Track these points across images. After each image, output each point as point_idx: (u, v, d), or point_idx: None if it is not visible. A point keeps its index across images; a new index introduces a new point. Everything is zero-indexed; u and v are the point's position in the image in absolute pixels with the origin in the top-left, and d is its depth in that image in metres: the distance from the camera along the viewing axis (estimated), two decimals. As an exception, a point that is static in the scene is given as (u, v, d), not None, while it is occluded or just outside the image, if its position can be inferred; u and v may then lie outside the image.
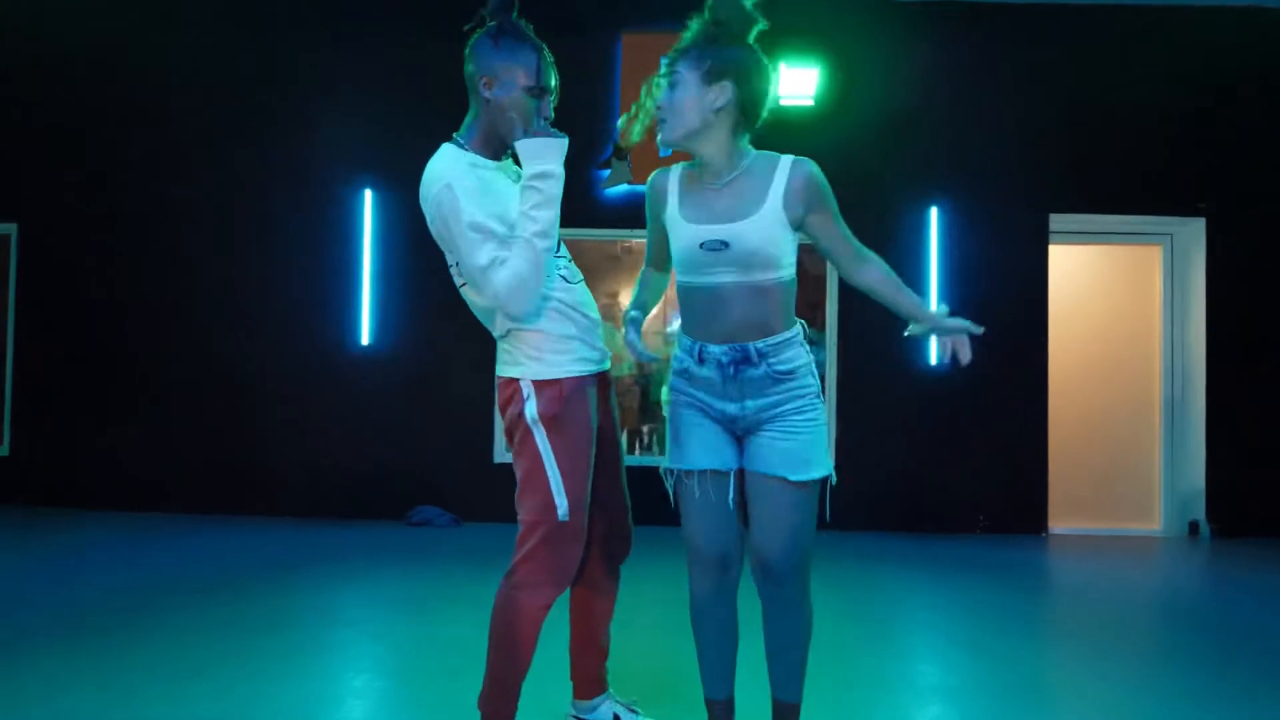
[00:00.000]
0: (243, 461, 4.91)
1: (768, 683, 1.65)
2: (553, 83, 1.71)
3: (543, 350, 1.61)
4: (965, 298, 4.89)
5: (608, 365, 1.76)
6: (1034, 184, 4.92)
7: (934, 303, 4.80)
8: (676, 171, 1.65)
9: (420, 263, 4.89)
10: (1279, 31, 4.83)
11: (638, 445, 5.46)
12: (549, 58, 1.72)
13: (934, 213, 4.90)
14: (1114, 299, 5.15)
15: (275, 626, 2.68)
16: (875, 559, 4.12)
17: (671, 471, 1.63)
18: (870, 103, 4.82)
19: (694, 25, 1.61)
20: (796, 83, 4.33)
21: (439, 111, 4.98)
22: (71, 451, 4.98)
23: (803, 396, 1.57)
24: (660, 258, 1.71)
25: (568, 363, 1.63)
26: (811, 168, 1.57)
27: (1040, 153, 4.92)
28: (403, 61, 4.96)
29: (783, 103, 4.41)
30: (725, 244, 1.52)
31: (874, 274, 1.68)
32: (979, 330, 1.59)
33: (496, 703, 1.58)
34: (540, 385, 1.59)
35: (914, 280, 4.88)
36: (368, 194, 4.95)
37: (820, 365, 4.89)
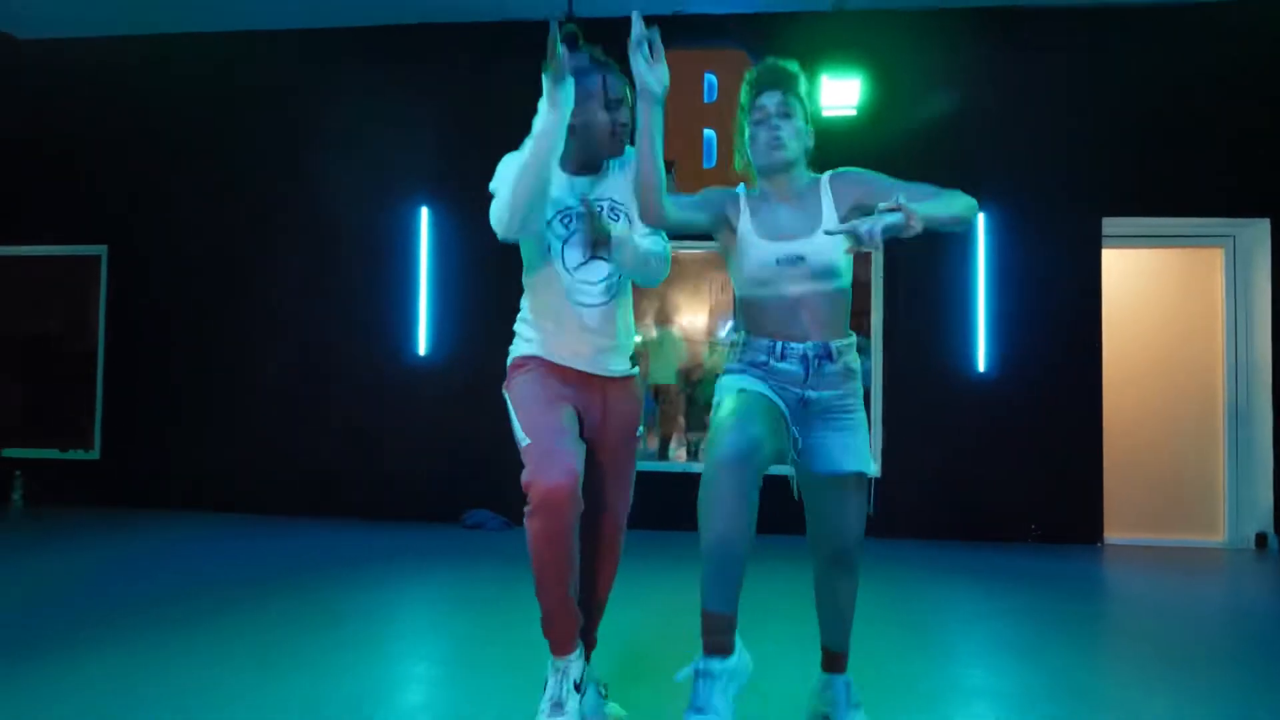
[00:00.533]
0: (309, 465, 5.20)
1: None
2: (623, 93, 1.85)
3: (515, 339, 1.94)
4: (1016, 304, 4.88)
5: (597, 371, 1.88)
6: (1085, 186, 4.87)
7: (981, 314, 4.82)
8: (741, 195, 1.81)
9: (474, 276, 5.13)
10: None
11: (685, 452, 5.57)
12: (613, 72, 1.85)
13: (981, 218, 4.88)
14: (1172, 303, 5.04)
15: (339, 619, 2.87)
16: (923, 567, 4.11)
17: (727, 395, 1.68)
18: (913, 110, 4.84)
19: (772, 75, 1.80)
20: (839, 93, 4.39)
21: (490, 134, 5.21)
22: (155, 456, 5.35)
23: (858, 395, 1.78)
24: (672, 206, 1.77)
25: (519, 345, 1.92)
26: (840, 170, 1.82)
27: (1091, 154, 4.86)
28: (456, 88, 5.22)
29: (825, 113, 4.50)
30: (801, 257, 1.70)
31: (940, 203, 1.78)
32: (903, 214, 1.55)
33: (543, 624, 1.77)
34: (510, 365, 1.91)
35: (963, 287, 4.89)
36: (424, 212, 5.20)
37: (865, 373, 4.93)
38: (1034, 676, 2.43)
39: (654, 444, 5.57)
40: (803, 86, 1.82)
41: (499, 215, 1.77)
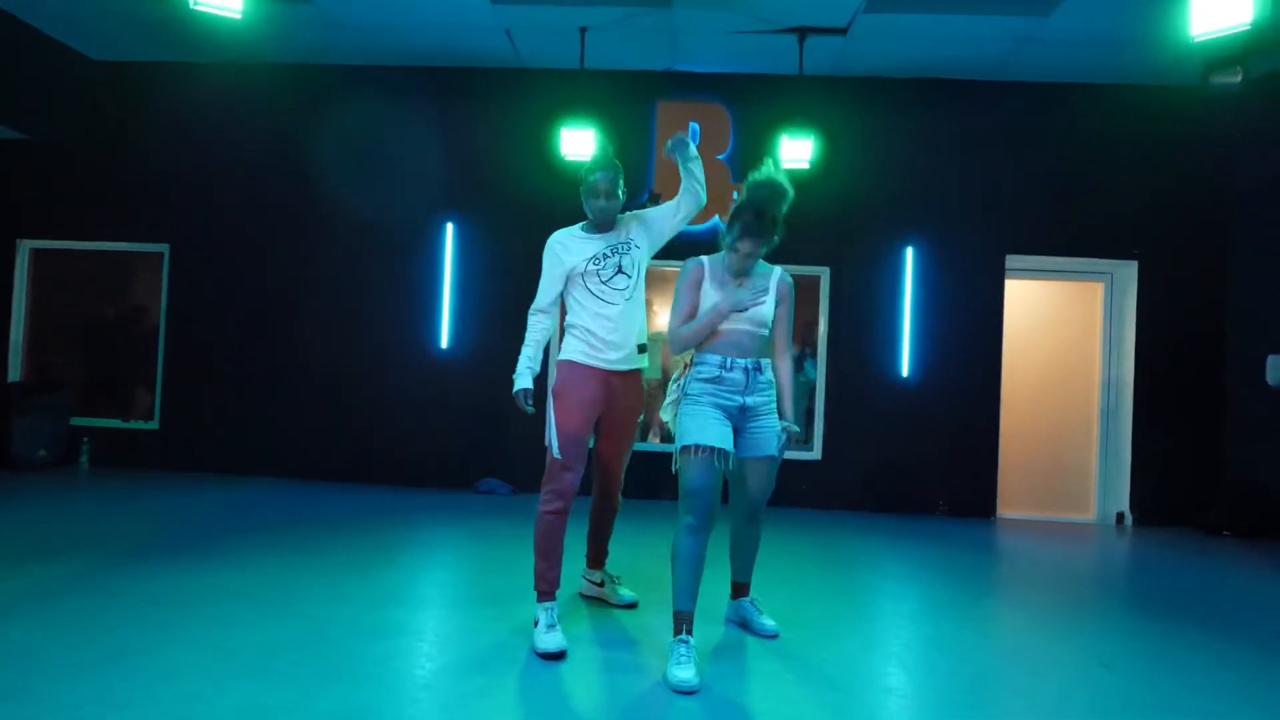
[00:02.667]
0: (345, 438, 6.11)
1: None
2: (595, 181, 2.73)
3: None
4: (934, 322, 5.94)
5: (621, 366, 2.74)
6: (993, 229, 5.92)
7: (906, 330, 5.82)
8: (707, 264, 2.63)
9: (490, 282, 6.08)
10: (1200, 107, 5.79)
11: (660, 438, 6.57)
12: (599, 167, 2.75)
13: (909, 252, 5.95)
14: (1061, 326, 6.15)
15: (383, 551, 3.85)
16: (855, 531, 5.04)
17: (691, 447, 2.46)
18: (856, 164, 5.89)
19: (752, 217, 2.50)
20: (795, 151, 5.38)
21: (504, 161, 6.22)
22: (208, 427, 6.22)
23: (774, 400, 2.64)
24: (690, 317, 2.62)
25: (566, 349, 2.79)
26: (789, 280, 2.69)
27: (999, 203, 5.93)
28: (479, 121, 6.13)
29: (785, 167, 5.51)
30: (746, 307, 2.54)
31: (783, 370, 2.66)
32: (796, 430, 2.63)
33: (536, 577, 2.66)
34: (559, 364, 2.79)
35: (893, 307, 5.94)
36: (449, 226, 6.13)
37: (810, 376, 6.00)
38: (935, 609, 3.46)
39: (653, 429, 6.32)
40: (774, 227, 2.52)
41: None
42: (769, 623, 2.80)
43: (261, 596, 2.97)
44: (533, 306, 2.78)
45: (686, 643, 2.39)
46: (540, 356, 2.78)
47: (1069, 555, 4.77)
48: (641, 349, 2.82)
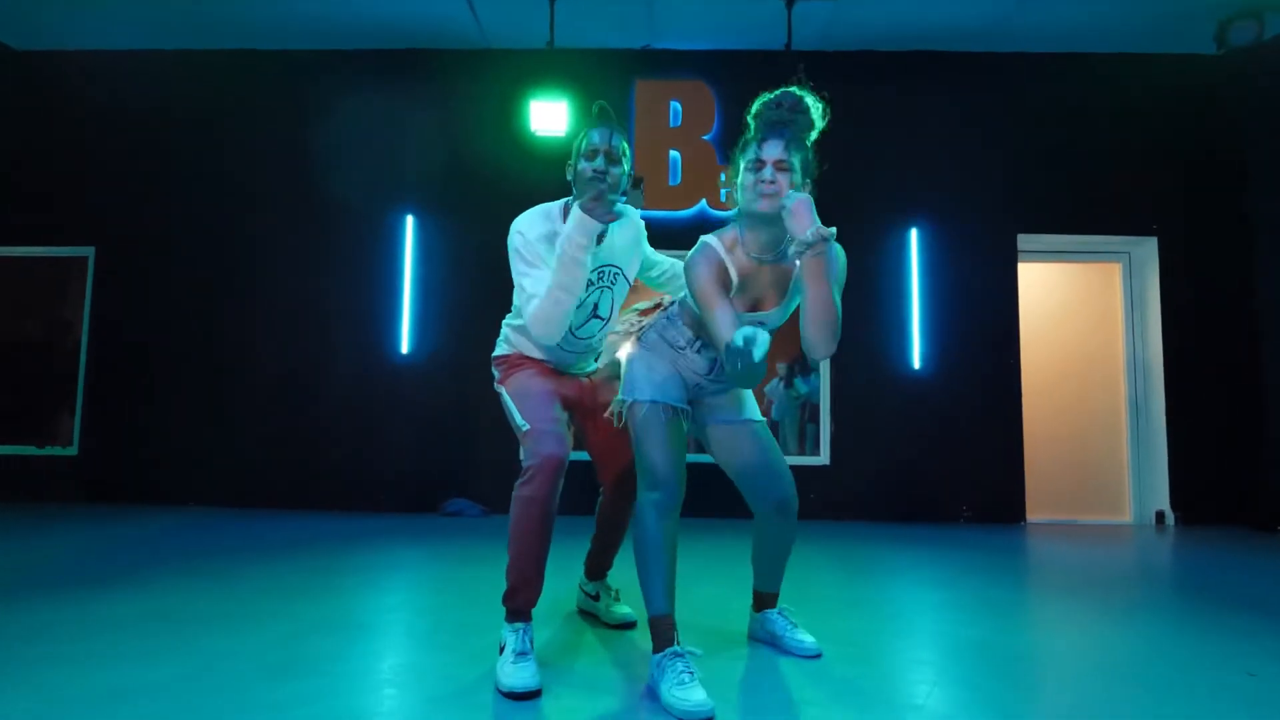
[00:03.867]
0: (293, 459, 5.39)
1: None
2: (599, 141, 2.05)
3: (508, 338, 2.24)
4: (944, 311, 5.44)
5: (575, 372, 2.25)
6: (1004, 208, 5.49)
7: (915, 320, 5.31)
8: (722, 250, 1.87)
9: (454, 281, 5.48)
10: (1217, 74, 5.46)
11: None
12: (601, 127, 2.08)
13: (914, 234, 5.48)
14: (1079, 310, 5.69)
15: (341, 579, 3.15)
16: (867, 542, 4.43)
17: (645, 403, 1.89)
18: (855, 141, 5.45)
19: (787, 111, 1.87)
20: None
21: (469, 150, 5.68)
22: (136, 452, 5.46)
23: (736, 391, 2.10)
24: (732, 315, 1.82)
25: (505, 345, 2.23)
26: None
27: (1010, 180, 5.50)
28: (440, 108, 5.61)
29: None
30: (764, 323, 1.90)
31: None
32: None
33: (508, 588, 1.95)
34: (497, 361, 2.23)
35: (899, 296, 5.43)
36: (409, 220, 5.55)
37: (814, 395, 5.42)
38: (972, 616, 2.86)
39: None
40: (809, 132, 1.87)
41: (547, 330, 1.98)
42: (807, 639, 2.13)
43: (148, 631, 2.26)
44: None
45: (681, 655, 1.77)
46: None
47: (1112, 557, 4.17)
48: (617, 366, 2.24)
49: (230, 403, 5.46)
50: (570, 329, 2.11)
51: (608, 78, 5.57)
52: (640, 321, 2.12)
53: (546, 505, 1.93)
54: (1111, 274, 5.67)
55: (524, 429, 2.01)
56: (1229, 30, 4.80)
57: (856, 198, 5.41)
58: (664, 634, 1.81)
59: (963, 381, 5.35)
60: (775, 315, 1.92)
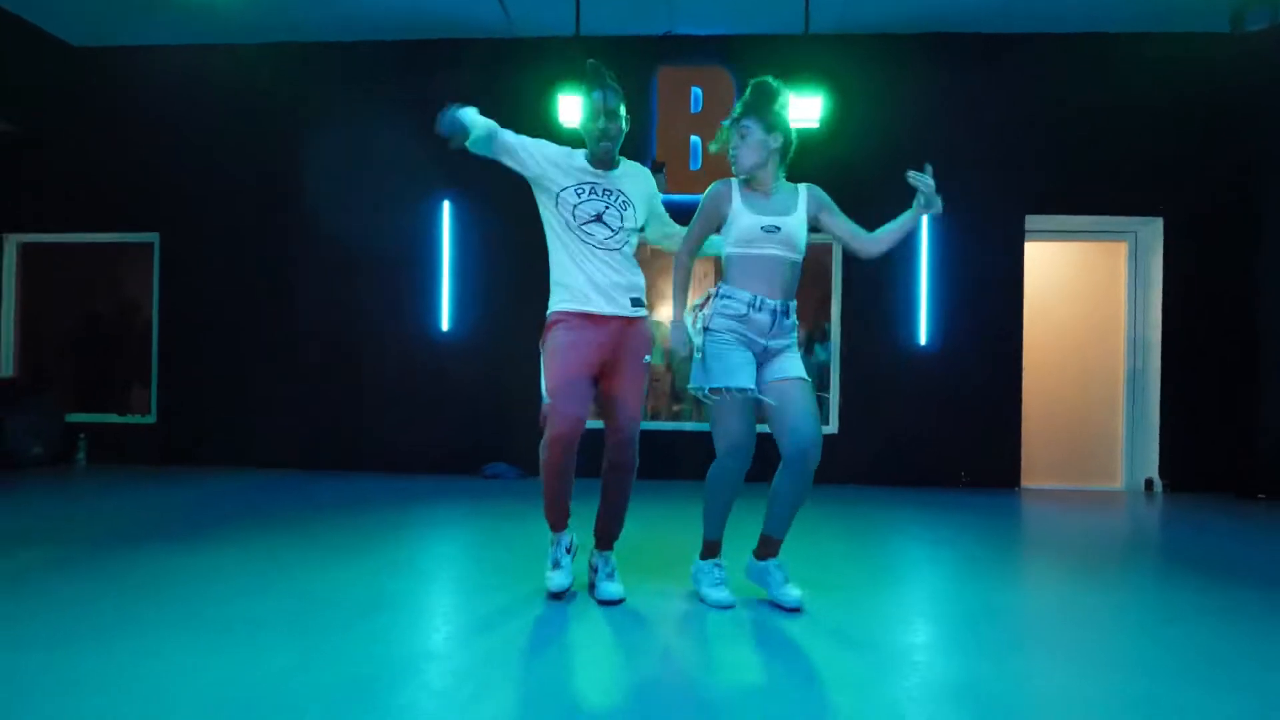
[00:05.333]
0: (346, 427, 5.94)
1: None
2: (595, 100, 2.50)
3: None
4: (952, 288, 5.73)
5: (615, 312, 2.50)
6: (1012, 189, 5.69)
7: (923, 297, 5.61)
8: (734, 183, 2.46)
9: (491, 261, 5.89)
10: (1222, 53, 5.54)
11: (665, 415, 6.38)
12: (606, 90, 2.50)
13: (924, 217, 5.72)
14: (1084, 288, 5.93)
15: (403, 530, 3.68)
16: (873, 505, 4.82)
17: (720, 389, 2.35)
18: (867, 123, 5.68)
19: (749, 96, 2.44)
20: (803, 109, 5.15)
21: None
22: (206, 420, 6.06)
23: (794, 342, 2.49)
24: (697, 245, 2.52)
25: (553, 301, 2.57)
26: (816, 188, 2.52)
27: (1018, 162, 5.69)
28: (473, 96, 5.92)
29: (794, 126, 5.30)
30: (778, 228, 2.38)
31: (879, 235, 2.54)
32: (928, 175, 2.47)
33: (545, 510, 2.53)
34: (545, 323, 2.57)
35: (907, 273, 5.72)
36: (445, 205, 5.94)
37: (828, 361, 5.78)
38: (963, 572, 3.27)
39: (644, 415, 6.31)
40: (770, 105, 2.39)
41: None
42: (794, 592, 2.44)
43: (248, 573, 2.79)
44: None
45: (721, 565, 2.51)
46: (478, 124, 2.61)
47: (1099, 522, 4.53)
48: (637, 303, 2.58)
49: (288, 376, 5.99)
50: (577, 216, 2.52)
51: (631, 65, 5.82)
52: (702, 314, 2.47)
53: (560, 463, 2.40)
54: (1117, 253, 5.88)
55: (545, 401, 2.45)
56: (1244, 14, 4.89)
57: (864, 181, 5.65)
58: (711, 550, 2.52)
59: (966, 357, 5.67)
60: (781, 222, 2.41)
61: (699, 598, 2.52)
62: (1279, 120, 5.48)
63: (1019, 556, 3.55)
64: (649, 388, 2.69)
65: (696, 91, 5.81)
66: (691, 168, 5.78)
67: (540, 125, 5.72)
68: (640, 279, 2.64)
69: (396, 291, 5.95)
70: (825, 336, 5.80)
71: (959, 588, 2.88)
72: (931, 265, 5.71)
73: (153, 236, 6.18)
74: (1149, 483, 5.66)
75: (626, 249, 2.61)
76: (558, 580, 2.52)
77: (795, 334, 2.49)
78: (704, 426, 5.59)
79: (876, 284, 5.69)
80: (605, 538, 2.65)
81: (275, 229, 6.06)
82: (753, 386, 2.37)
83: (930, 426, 5.66)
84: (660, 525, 3.87)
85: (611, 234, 2.56)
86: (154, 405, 6.14)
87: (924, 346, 5.69)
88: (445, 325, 5.91)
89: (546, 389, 2.45)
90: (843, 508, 4.64)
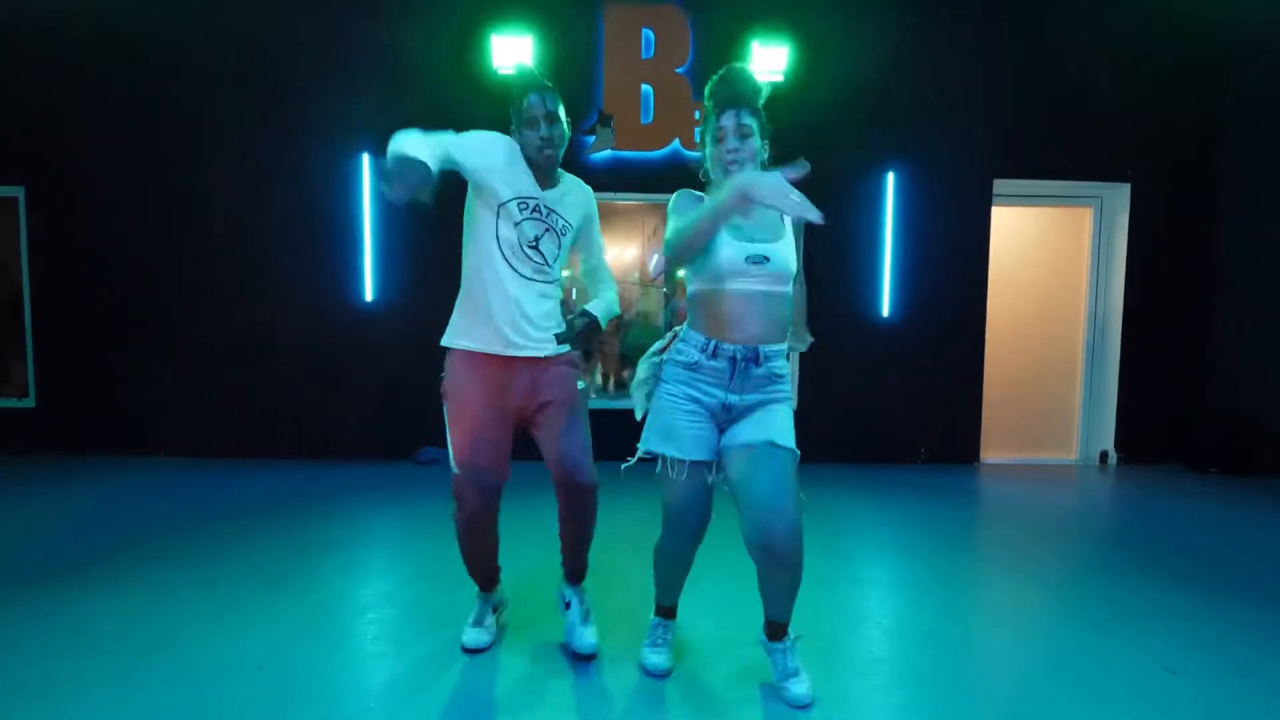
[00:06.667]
0: (258, 407, 5.33)
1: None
2: (531, 105, 2.08)
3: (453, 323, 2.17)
4: (917, 256, 5.43)
5: (529, 354, 2.09)
6: (979, 152, 5.40)
7: (887, 265, 5.29)
8: (704, 196, 1.95)
9: (416, 226, 5.26)
10: (1190, 17, 5.28)
11: (611, 384, 5.99)
12: (544, 92, 2.09)
13: (890, 177, 5.38)
14: (1049, 254, 5.73)
15: (324, 543, 3.21)
16: (833, 483, 4.71)
17: (657, 456, 1.92)
18: (835, 78, 5.21)
19: (740, 85, 1.90)
20: (768, 60, 4.66)
21: (427, 86, 5.33)
22: (94, 402, 5.35)
23: (784, 396, 1.94)
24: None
25: (450, 334, 2.14)
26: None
27: (985, 123, 5.38)
28: (396, 41, 5.18)
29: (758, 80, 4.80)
30: (766, 258, 1.84)
31: (799, 294, 2.05)
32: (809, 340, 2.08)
33: (469, 571, 2.28)
34: (447, 353, 2.13)
35: (871, 236, 5.40)
36: (365, 158, 5.25)
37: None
38: (912, 563, 3.06)
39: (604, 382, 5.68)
40: (759, 100, 1.90)
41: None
42: (800, 690, 1.95)
43: (131, 624, 2.31)
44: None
45: (665, 625, 2.20)
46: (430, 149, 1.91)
47: (1058, 504, 4.44)
48: (561, 339, 2.05)
49: (189, 350, 5.31)
50: (515, 238, 2.08)
51: (574, 2, 5.17)
52: (660, 360, 2.00)
53: (479, 537, 2.18)
54: (1082, 218, 5.69)
55: (453, 470, 2.08)
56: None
57: (831, 140, 5.24)
58: (663, 611, 2.22)
59: (929, 329, 5.43)
60: (771, 250, 1.88)
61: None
62: (1245, 88, 5.28)
63: (978, 549, 3.39)
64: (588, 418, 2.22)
65: (648, 34, 5.22)
66: (642, 121, 5.24)
67: (470, 73, 5.07)
68: (558, 315, 2.19)
69: (313, 257, 5.29)
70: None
71: (914, 595, 2.65)
72: (897, 231, 5.40)
73: (16, 190, 5.29)
74: (1103, 455, 5.62)
75: (557, 285, 2.18)
76: (473, 637, 2.28)
77: (781, 387, 1.94)
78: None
79: (840, 250, 5.35)
80: (572, 574, 2.34)
81: (167, 186, 5.25)
82: (696, 456, 1.90)
83: (892, 402, 5.45)
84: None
85: (544, 265, 2.13)
86: (32, 387, 5.37)
87: (887, 318, 5.42)
88: (369, 295, 5.30)
89: (453, 455, 2.05)
90: (803, 489, 4.37)
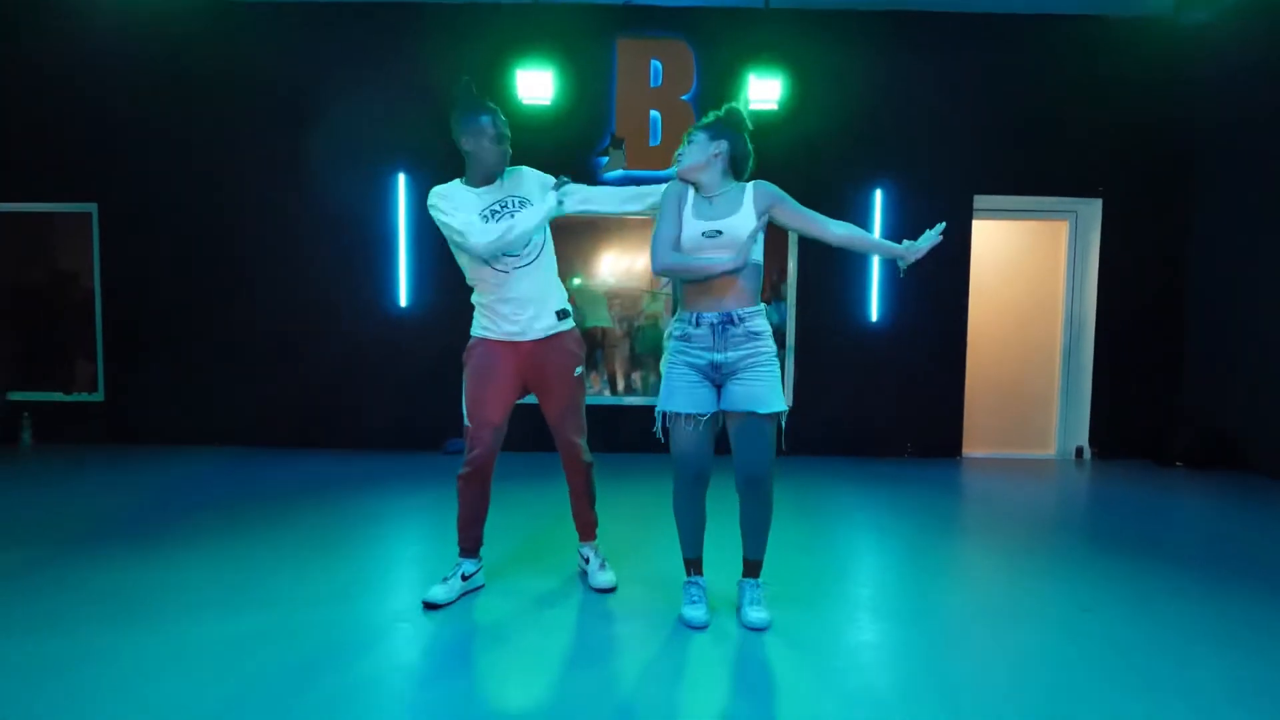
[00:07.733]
0: (302, 403, 5.89)
1: (739, 550, 2.55)
2: (482, 125, 2.52)
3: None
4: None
5: (533, 336, 2.56)
6: (961, 169, 5.85)
7: (875, 274, 5.75)
8: (690, 190, 2.42)
9: (445, 241, 5.80)
10: (1163, 37, 5.72)
11: (623, 385, 6.47)
12: (494, 114, 2.53)
13: (878, 194, 5.85)
14: (1028, 265, 6.16)
15: (364, 516, 3.74)
16: (824, 476, 5.10)
17: (664, 412, 2.42)
18: (825, 106, 5.70)
19: (710, 116, 2.45)
20: (763, 90, 5.16)
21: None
22: (156, 397, 5.93)
23: (765, 353, 2.34)
24: (673, 244, 2.38)
25: (474, 325, 2.63)
26: (764, 183, 2.40)
27: (966, 143, 5.84)
28: (429, 66, 5.74)
29: (753, 107, 5.31)
30: (719, 231, 2.30)
31: (844, 230, 2.39)
32: (937, 233, 2.42)
33: (459, 523, 2.65)
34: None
35: (862, 254, 5.85)
36: (401, 178, 5.81)
37: (782, 324, 5.93)
38: (899, 549, 3.51)
39: (598, 383, 5.99)
40: (717, 124, 2.39)
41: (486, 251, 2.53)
42: (756, 615, 2.44)
43: (219, 585, 2.83)
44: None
45: (697, 584, 2.51)
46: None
47: (1033, 493, 4.85)
48: (563, 315, 2.60)
49: (241, 352, 5.88)
50: (489, 262, 2.51)
51: (590, 35, 5.72)
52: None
53: (473, 485, 2.59)
54: (1058, 231, 6.12)
55: (465, 423, 2.59)
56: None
57: (823, 161, 5.74)
58: (689, 567, 2.55)
59: (915, 333, 5.89)
60: (723, 225, 2.33)
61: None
62: (1216, 107, 5.71)
63: (962, 535, 3.81)
64: (584, 400, 2.73)
65: (656, 65, 5.74)
66: (650, 144, 5.76)
67: (498, 99, 5.59)
68: (560, 291, 2.67)
69: (353, 267, 5.85)
70: (782, 298, 5.90)
71: (906, 580, 3.09)
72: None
73: (90, 207, 5.90)
74: (1079, 450, 6.04)
75: (544, 257, 2.61)
76: (434, 593, 2.55)
77: (760, 342, 2.35)
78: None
79: (831, 263, 5.82)
80: (584, 529, 2.82)
81: (223, 202, 5.84)
82: (696, 410, 2.36)
83: (879, 400, 5.90)
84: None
85: (524, 248, 2.56)
86: (100, 383, 5.97)
87: (875, 323, 5.88)
88: (404, 301, 5.85)
89: (466, 409, 2.56)
90: (793, 482, 4.85)
